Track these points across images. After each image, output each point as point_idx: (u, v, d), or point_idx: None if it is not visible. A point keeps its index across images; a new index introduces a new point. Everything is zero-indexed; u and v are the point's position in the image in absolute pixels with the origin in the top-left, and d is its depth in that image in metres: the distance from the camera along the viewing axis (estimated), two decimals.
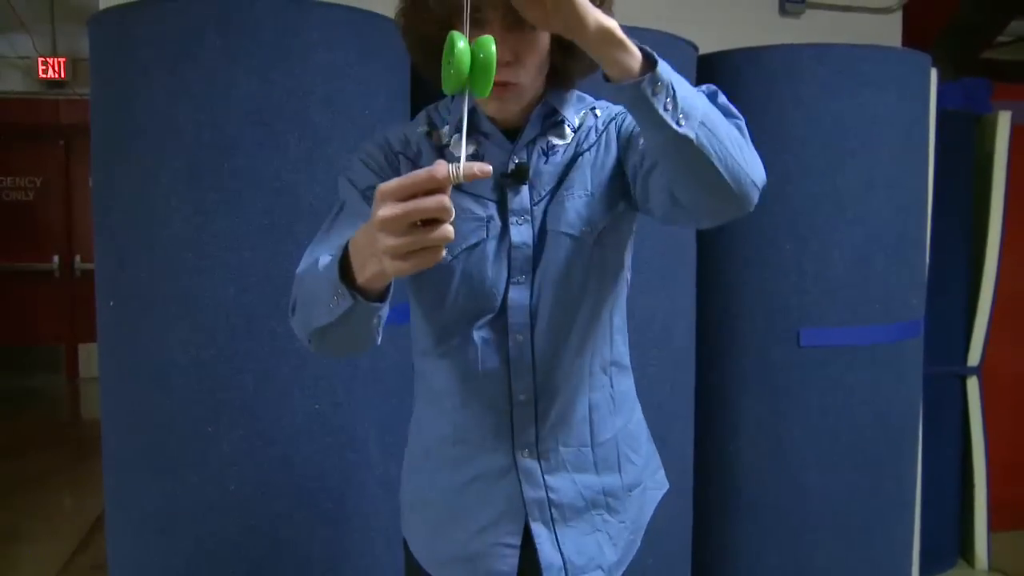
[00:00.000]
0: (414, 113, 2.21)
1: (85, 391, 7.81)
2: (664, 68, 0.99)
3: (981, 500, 3.70)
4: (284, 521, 2.01)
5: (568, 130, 1.28)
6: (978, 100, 3.66)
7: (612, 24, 0.97)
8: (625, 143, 1.27)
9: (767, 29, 3.74)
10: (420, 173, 0.84)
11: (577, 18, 0.96)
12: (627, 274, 1.39)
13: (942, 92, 3.29)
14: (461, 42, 0.98)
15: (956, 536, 3.75)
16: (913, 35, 4.07)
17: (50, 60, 6.98)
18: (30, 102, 7.27)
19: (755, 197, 1.09)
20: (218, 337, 1.97)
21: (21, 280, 7.88)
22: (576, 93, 1.34)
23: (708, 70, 2.58)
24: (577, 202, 1.25)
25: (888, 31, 3.97)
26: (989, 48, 5.72)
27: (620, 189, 1.27)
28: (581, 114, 1.31)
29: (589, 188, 1.26)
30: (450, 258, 1.24)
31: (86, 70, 7.13)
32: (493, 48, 0.98)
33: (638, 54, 0.99)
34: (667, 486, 1.49)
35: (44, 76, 7.00)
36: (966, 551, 3.78)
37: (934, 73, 2.91)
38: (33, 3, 7.05)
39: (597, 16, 0.97)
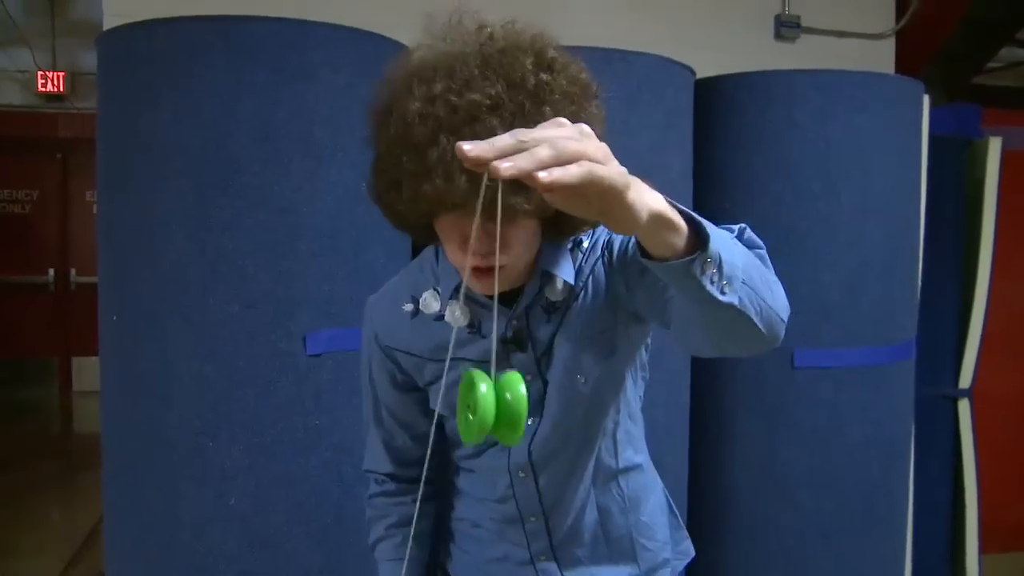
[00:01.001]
0: None
1: (78, 404, 7.80)
2: (715, 242, 0.86)
3: (972, 522, 3.72)
4: (283, 535, 2.02)
5: (562, 283, 1.21)
6: (969, 126, 3.70)
7: (662, 206, 0.83)
8: (619, 276, 1.20)
9: (763, 53, 3.79)
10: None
11: (629, 215, 0.80)
12: (636, 383, 1.36)
13: (933, 117, 3.34)
14: (483, 385, 0.81)
15: (947, 558, 3.76)
16: (906, 60, 4.12)
17: (49, 74, 7.02)
18: (28, 115, 7.30)
19: (782, 332, 1.00)
20: (220, 352, 1.99)
21: (16, 293, 7.88)
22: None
23: (705, 94, 2.62)
24: (566, 352, 1.23)
25: (881, 56, 4.03)
26: (981, 74, 5.80)
27: (615, 326, 1.23)
28: (571, 254, 1.23)
29: (577, 338, 1.22)
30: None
31: (85, 84, 7.18)
32: (523, 389, 0.82)
33: (685, 227, 0.86)
34: (692, 554, 1.50)
35: (43, 90, 7.05)
36: (957, 573, 3.79)
37: (926, 99, 2.96)
38: (34, 17, 7.11)
39: (649, 204, 0.81)
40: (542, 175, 0.73)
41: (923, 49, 4.38)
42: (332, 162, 2.04)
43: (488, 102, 1.00)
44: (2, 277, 7.85)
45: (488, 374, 0.83)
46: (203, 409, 2.00)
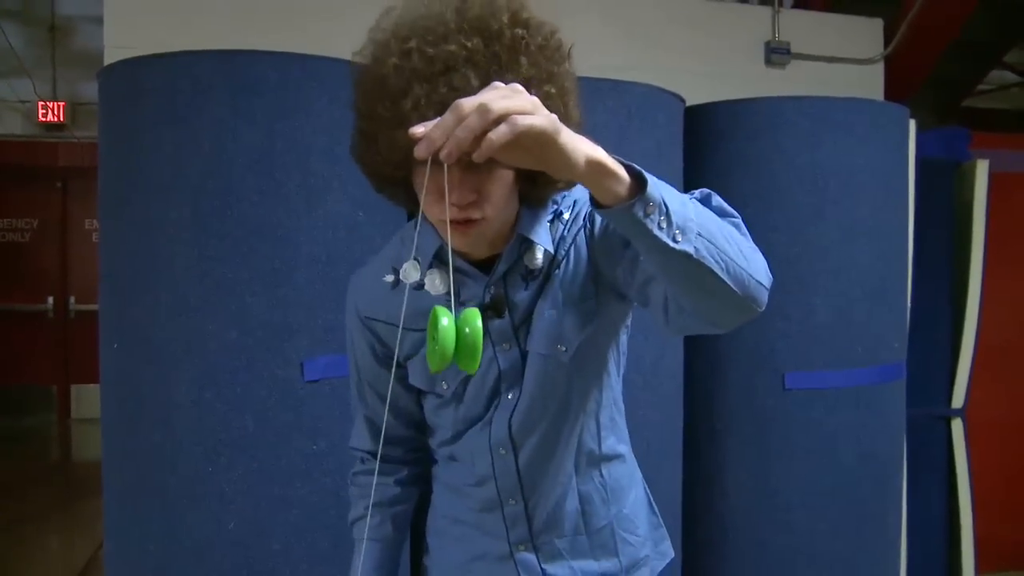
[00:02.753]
0: None
1: (77, 432, 7.80)
2: (654, 186, 0.93)
3: (968, 541, 3.73)
4: (281, 559, 2.05)
5: (540, 253, 1.24)
6: (957, 148, 3.76)
7: (599, 155, 0.92)
8: (600, 247, 1.23)
9: (753, 79, 3.85)
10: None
11: (565, 159, 0.90)
12: (618, 368, 1.38)
13: (922, 141, 3.39)
14: (445, 319, 0.94)
15: None
16: (895, 85, 4.19)
17: (50, 104, 7.09)
18: (29, 144, 7.36)
19: (763, 297, 1.05)
20: (219, 379, 2.03)
21: (15, 320, 7.90)
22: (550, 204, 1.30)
23: (694, 122, 2.67)
24: (547, 321, 1.24)
25: (871, 81, 4.10)
26: (970, 96, 5.87)
27: (596, 297, 1.25)
28: (552, 225, 1.26)
29: (560, 306, 1.24)
30: (451, 390, 1.31)
31: (85, 114, 7.24)
32: (479, 323, 0.95)
33: (626, 176, 0.94)
34: (671, 555, 1.49)
35: (44, 119, 7.11)
36: None
37: (912, 124, 3.01)
38: (35, 48, 7.19)
39: (585, 151, 0.91)
40: (476, 155, 0.85)
41: (912, 74, 4.44)
42: (329, 192, 2.08)
43: (464, 53, 1.04)
44: (2, 305, 7.87)
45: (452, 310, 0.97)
46: (202, 435, 2.03)
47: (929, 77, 4.67)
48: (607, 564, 1.38)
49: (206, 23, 3.10)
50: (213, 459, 2.02)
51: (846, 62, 4.06)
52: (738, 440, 2.67)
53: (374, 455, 1.42)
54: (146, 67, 2.10)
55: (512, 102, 0.86)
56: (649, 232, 0.94)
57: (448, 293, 1.20)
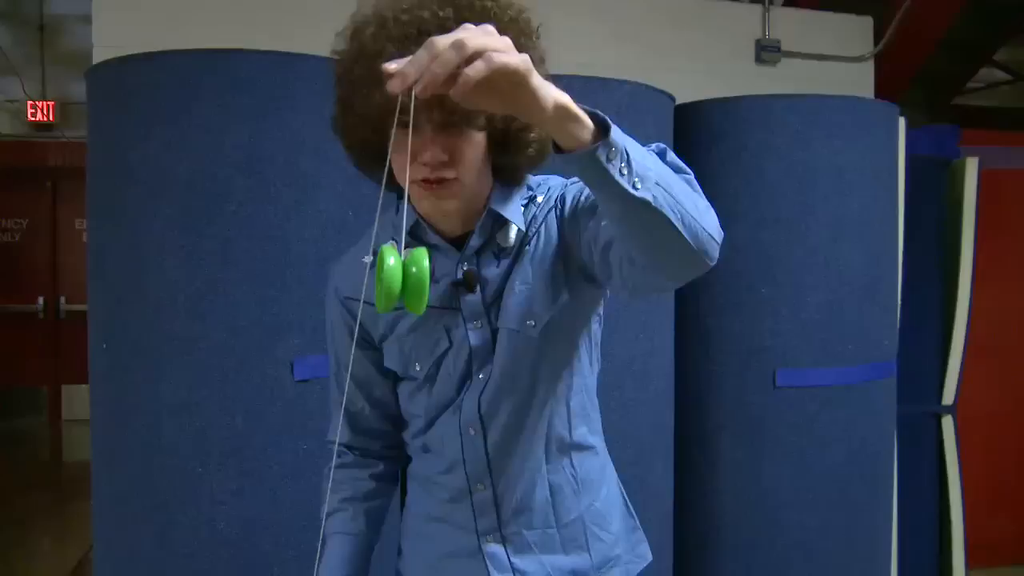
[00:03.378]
0: None
1: (68, 433, 7.77)
2: (617, 133, 0.96)
3: (958, 537, 3.75)
4: (272, 559, 2.04)
5: (514, 231, 1.27)
6: (947, 146, 3.77)
7: (566, 99, 0.94)
8: (569, 225, 1.26)
9: (743, 77, 3.86)
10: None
11: (536, 101, 0.92)
12: (591, 358, 1.39)
13: (912, 138, 3.40)
14: (391, 258, 0.95)
15: (934, 574, 3.79)
16: (885, 83, 4.20)
17: (39, 104, 7.07)
18: (18, 144, 7.33)
19: (715, 251, 1.07)
20: (209, 379, 2.02)
21: (5, 321, 7.86)
22: (525, 185, 1.33)
23: (684, 120, 2.67)
24: (518, 296, 1.26)
25: (861, 79, 4.11)
26: (960, 94, 5.89)
27: (565, 276, 1.27)
28: (526, 209, 1.29)
29: (530, 281, 1.26)
30: (423, 371, 1.32)
31: (74, 113, 7.21)
32: (426, 263, 0.96)
33: (590, 123, 0.96)
34: (649, 559, 1.49)
35: (33, 119, 7.09)
36: None
37: (902, 122, 3.02)
38: (23, 48, 7.16)
39: (553, 95, 0.93)
40: (454, 91, 0.86)
41: (902, 71, 4.46)
42: (318, 191, 2.08)
43: (436, 20, 1.09)
44: None
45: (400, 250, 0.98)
46: (192, 435, 2.02)
47: (919, 75, 4.69)
48: (577, 559, 1.37)
49: (194, 22, 3.10)
50: (203, 459, 2.02)
51: (836, 60, 4.07)
52: (729, 438, 2.68)
53: (349, 448, 1.45)
54: (134, 66, 2.09)
55: (487, 39, 0.87)
56: (611, 177, 0.96)
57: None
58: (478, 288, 1.27)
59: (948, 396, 3.76)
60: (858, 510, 2.72)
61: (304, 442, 2.06)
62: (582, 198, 1.24)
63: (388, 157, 1.08)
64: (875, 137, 2.73)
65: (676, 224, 1.00)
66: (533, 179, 1.34)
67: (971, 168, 3.70)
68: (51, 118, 7.08)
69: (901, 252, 3.08)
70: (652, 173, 0.98)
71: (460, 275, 1.27)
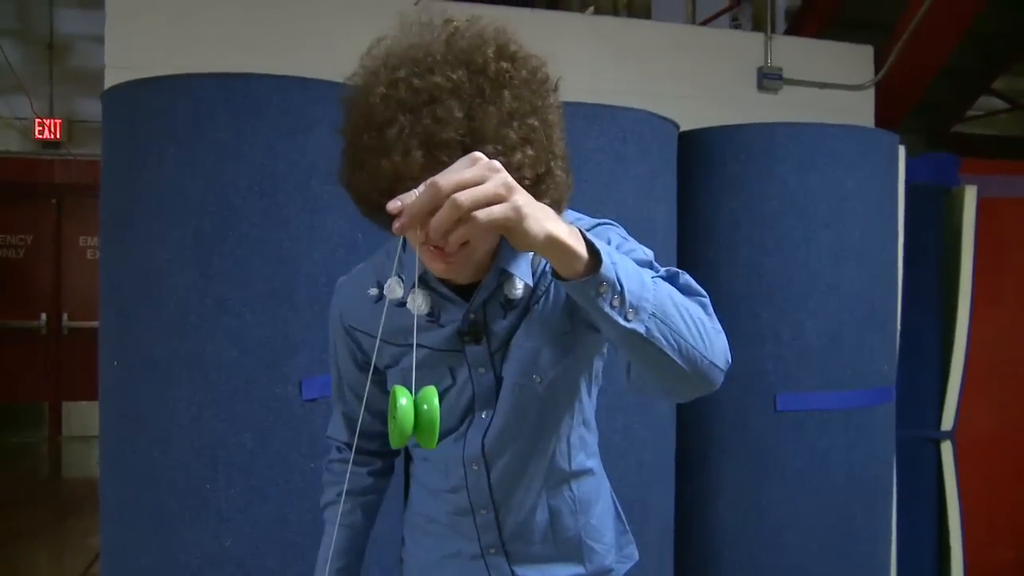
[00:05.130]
0: None
1: (68, 449, 7.77)
2: (607, 268, 0.96)
3: (957, 563, 3.75)
4: None
5: (521, 284, 1.24)
6: (946, 174, 3.81)
7: (560, 233, 0.94)
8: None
9: (746, 104, 3.90)
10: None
11: (528, 238, 0.93)
12: (590, 390, 1.39)
13: (912, 166, 3.44)
14: (403, 399, 0.98)
15: None
16: (885, 110, 4.25)
17: (47, 121, 7.10)
18: (25, 161, 7.37)
19: (717, 376, 1.07)
20: (218, 397, 2.05)
21: (7, 337, 7.87)
22: None
23: (688, 147, 2.71)
24: (523, 351, 1.26)
25: (861, 107, 4.16)
26: (960, 123, 5.94)
27: (572, 334, 1.26)
28: (534, 259, 1.25)
29: (536, 340, 1.26)
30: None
31: (81, 132, 7.24)
32: (436, 402, 0.99)
33: (584, 255, 0.96)
34: (636, 558, 1.53)
35: (40, 137, 7.12)
36: None
37: (902, 150, 3.06)
38: (32, 66, 7.21)
39: (547, 230, 0.93)
40: (446, 247, 0.92)
41: (902, 99, 4.51)
42: (328, 214, 2.12)
43: (449, 85, 1.07)
44: None
45: (412, 388, 1.02)
46: (200, 452, 2.05)
47: (919, 103, 4.74)
48: (575, 569, 1.42)
49: (205, 44, 3.14)
50: (211, 477, 2.04)
51: (837, 88, 4.12)
52: (730, 461, 2.70)
53: (350, 446, 1.48)
54: (149, 89, 2.13)
55: (484, 191, 0.89)
56: (600, 308, 0.98)
57: (430, 314, 1.26)
58: (484, 339, 1.27)
59: (947, 421, 3.77)
60: (857, 534, 2.73)
61: (311, 460, 2.08)
62: None
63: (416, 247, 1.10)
64: (875, 165, 2.77)
65: (671, 354, 1.01)
66: None
67: (970, 196, 3.74)
68: (58, 136, 7.12)
69: (901, 278, 3.11)
70: (648, 304, 0.99)
71: (466, 326, 1.26)
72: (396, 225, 0.92)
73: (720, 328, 1.09)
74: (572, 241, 0.96)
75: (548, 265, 1.24)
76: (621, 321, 0.98)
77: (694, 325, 1.04)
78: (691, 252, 2.69)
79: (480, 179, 0.90)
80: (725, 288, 2.66)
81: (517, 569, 1.39)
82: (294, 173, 2.09)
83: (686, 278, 1.11)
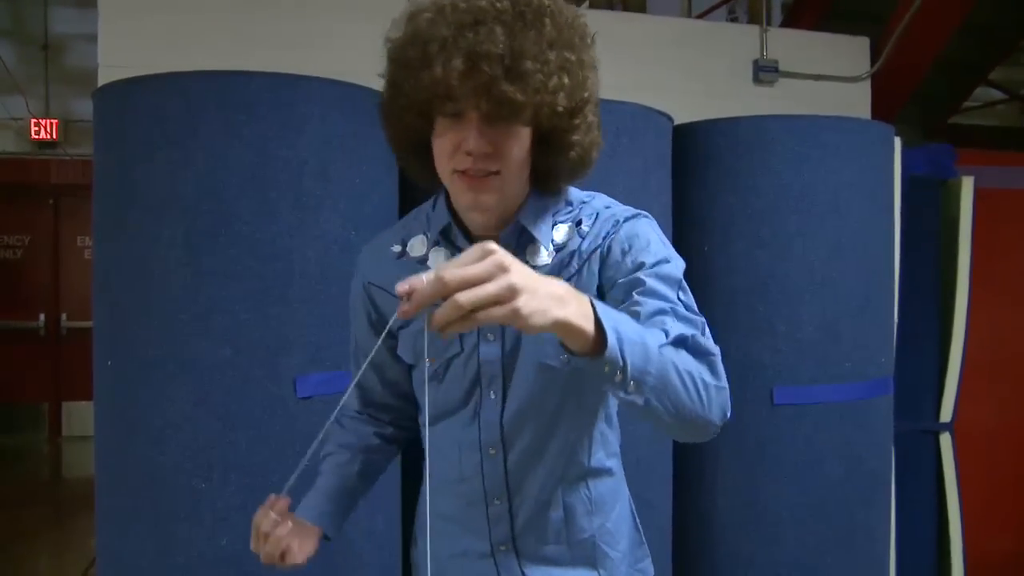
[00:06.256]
0: (403, 185, 2.32)
1: (68, 449, 7.77)
2: (613, 348, 0.98)
3: (957, 555, 3.75)
4: (275, 575, 2.05)
5: (544, 251, 1.27)
6: (943, 165, 3.79)
7: (564, 315, 0.96)
8: (608, 285, 1.26)
9: (741, 98, 3.89)
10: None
11: (532, 327, 0.95)
12: None
13: (908, 158, 3.43)
14: None
15: None
16: (882, 102, 4.24)
17: (42, 121, 7.11)
18: (21, 162, 7.37)
19: (712, 431, 1.13)
20: (212, 396, 2.04)
21: (6, 338, 7.88)
22: (563, 199, 1.32)
23: (683, 141, 2.71)
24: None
25: (858, 98, 4.15)
26: (956, 113, 5.93)
27: None
28: (564, 229, 1.28)
29: None
30: (432, 370, 1.32)
31: (77, 132, 7.28)
32: None
33: (590, 331, 0.98)
34: (651, 574, 1.50)
35: (36, 137, 7.14)
36: None
37: (898, 142, 3.05)
38: (28, 66, 7.22)
39: (553, 315, 0.95)
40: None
41: (898, 91, 4.50)
42: (321, 211, 2.11)
43: (493, 11, 1.11)
44: None
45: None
46: (196, 451, 2.04)
47: (915, 94, 4.73)
48: (586, 574, 1.38)
49: (199, 43, 3.13)
50: (206, 476, 2.04)
51: (833, 80, 4.11)
52: (727, 454, 2.69)
53: (360, 414, 1.48)
54: (141, 87, 2.12)
55: (486, 293, 0.91)
56: (602, 382, 1.02)
57: None
58: None
59: (946, 414, 3.77)
60: (856, 528, 2.73)
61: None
62: (619, 279, 1.24)
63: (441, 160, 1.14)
64: (872, 157, 2.76)
65: (666, 418, 1.06)
66: (577, 194, 1.33)
67: (967, 187, 3.73)
68: (54, 136, 7.13)
69: (897, 270, 3.11)
70: (651, 377, 1.02)
71: None
72: (401, 309, 0.94)
73: (725, 383, 1.14)
74: (580, 322, 0.97)
75: (583, 244, 1.28)
76: (622, 393, 1.02)
77: (695, 390, 1.08)
78: (686, 246, 2.68)
79: (486, 277, 0.91)
80: (721, 282, 2.66)
81: (527, 570, 1.35)
82: (286, 171, 2.08)
83: (696, 340, 1.13)
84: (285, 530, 1.32)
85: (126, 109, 2.15)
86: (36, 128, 7.11)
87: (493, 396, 1.30)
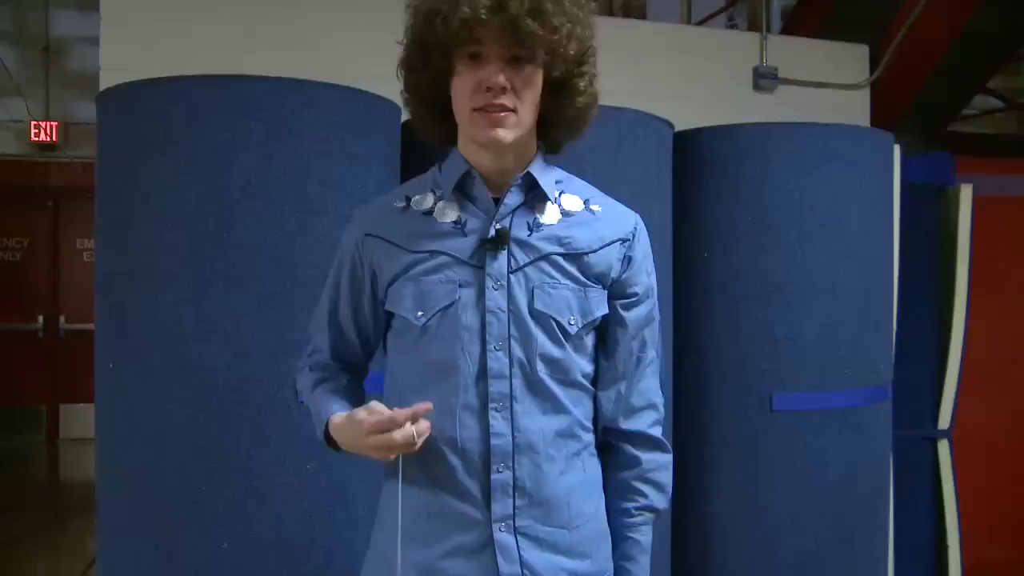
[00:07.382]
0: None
1: (66, 452, 7.76)
2: None
3: (955, 562, 3.76)
4: None
5: (551, 206, 1.34)
6: (942, 173, 3.80)
7: None
8: (617, 292, 1.38)
9: (741, 104, 3.90)
10: (391, 416, 1.20)
11: None
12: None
13: (907, 166, 3.44)
14: None
15: None
16: (881, 110, 4.25)
17: (43, 124, 7.12)
18: (21, 164, 7.38)
19: None
20: (214, 400, 2.05)
21: (4, 340, 7.88)
22: (567, 176, 1.41)
23: (683, 147, 2.71)
24: (566, 291, 1.32)
25: (857, 106, 4.16)
26: (956, 121, 5.93)
27: (607, 300, 1.37)
28: (575, 200, 1.38)
29: (582, 283, 1.33)
30: (424, 319, 1.31)
31: (77, 134, 7.31)
32: None
33: None
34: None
35: (36, 139, 7.14)
36: None
37: (897, 149, 3.06)
38: (28, 68, 7.23)
39: None
40: None
41: (898, 98, 4.50)
42: (324, 215, 2.11)
43: None
44: None
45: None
46: (197, 454, 2.05)
47: (914, 102, 4.74)
48: (580, 564, 1.35)
49: (201, 46, 3.14)
50: (207, 479, 2.04)
51: (833, 87, 4.12)
52: (726, 461, 2.70)
53: (327, 367, 1.48)
54: (144, 91, 2.13)
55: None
56: None
57: (456, 222, 1.33)
58: (505, 250, 1.30)
59: (944, 420, 3.77)
60: (854, 534, 2.73)
61: (308, 462, 2.08)
62: (621, 301, 1.38)
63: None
64: (871, 164, 2.77)
65: None
66: (596, 194, 1.42)
67: (965, 195, 3.74)
68: (54, 138, 7.14)
69: (896, 278, 3.11)
70: None
71: (493, 232, 1.30)
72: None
73: (670, 461, 1.50)
74: None
75: (602, 229, 1.37)
76: None
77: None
78: (687, 253, 2.69)
79: None
80: (721, 288, 2.66)
81: (525, 555, 1.30)
82: (288, 175, 2.08)
83: (658, 475, 1.49)
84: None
85: (129, 113, 2.15)
86: (36, 130, 7.12)
87: (500, 347, 1.29)
